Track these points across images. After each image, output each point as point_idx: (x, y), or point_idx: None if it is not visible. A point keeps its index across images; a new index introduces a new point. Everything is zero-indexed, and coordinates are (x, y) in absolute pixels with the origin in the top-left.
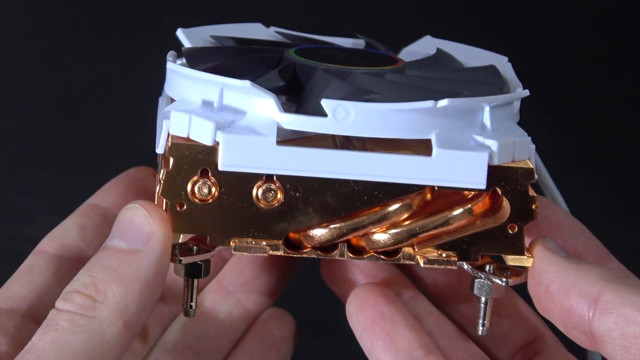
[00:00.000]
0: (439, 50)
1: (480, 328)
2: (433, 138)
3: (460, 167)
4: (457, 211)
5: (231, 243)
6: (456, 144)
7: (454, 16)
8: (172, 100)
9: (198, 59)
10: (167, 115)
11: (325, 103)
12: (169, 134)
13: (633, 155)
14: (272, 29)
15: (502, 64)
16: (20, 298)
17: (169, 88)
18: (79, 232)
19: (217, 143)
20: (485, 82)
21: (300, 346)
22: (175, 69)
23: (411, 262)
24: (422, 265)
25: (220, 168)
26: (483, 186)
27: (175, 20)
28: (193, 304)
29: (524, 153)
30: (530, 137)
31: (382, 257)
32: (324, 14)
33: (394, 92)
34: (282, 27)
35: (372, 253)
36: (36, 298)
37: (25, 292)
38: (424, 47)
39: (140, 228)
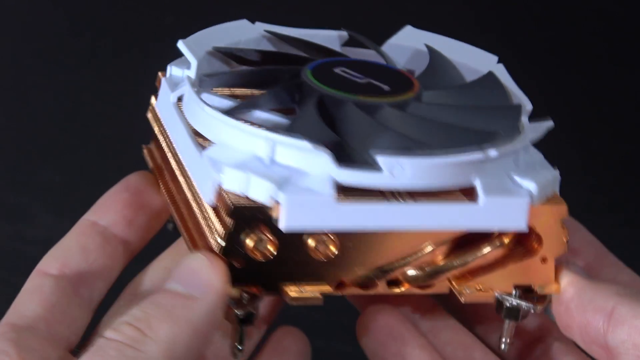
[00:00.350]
0: (435, 57)
1: (503, 346)
2: (478, 185)
3: (504, 212)
4: (493, 247)
5: (288, 292)
6: (499, 188)
7: (454, 14)
8: (197, 134)
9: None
10: (217, 168)
11: (382, 160)
12: (220, 187)
13: (631, 155)
14: (258, 25)
15: (493, 65)
16: (37, 318)
17: (199, 123)
18: (81, 252)
19: (277, 202)
20: (503, 108)
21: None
22: (219, 117)
23: (445, 292)
24: (462, 301)
25: (282, 229)
26: (524, 228)
27: (176, 19)
28: (242, 347)
29: (555, 186)
30: (557, 170)
31: (419, 290)
32: (321, 7)
33: (437, 138)
34: (276, 21)
35: (408, 287)
36: (52, 318)
37: (41, 312)
38: (406, 39)
39: (200, 277)
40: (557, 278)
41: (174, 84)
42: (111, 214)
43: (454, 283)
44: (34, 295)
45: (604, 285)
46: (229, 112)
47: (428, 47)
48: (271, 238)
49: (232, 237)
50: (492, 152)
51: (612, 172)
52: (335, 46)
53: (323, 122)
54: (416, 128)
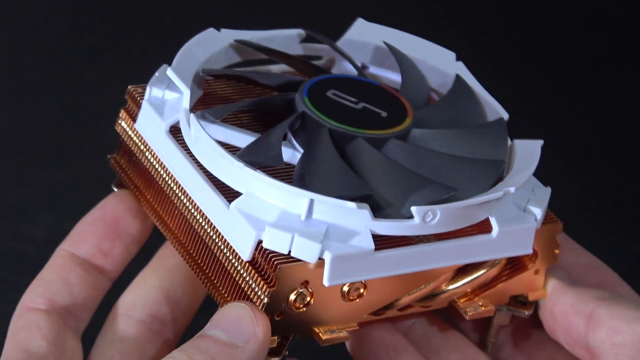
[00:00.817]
0: (457, 89)
1: (490, 346)
2: (493, 218)
3: (514, 239)
4: (491, 267)
5: (321, 335)
6: (509, 218)
7: (454, 14)
8: (198, 163)
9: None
10: (257, 225)
11: (416, 210)
12: (260, 245)
13: (629, 154)
14: (224, 32)
15: (452, 62)
16: (46, 354)
17: (220, 171)
18: (65, 286)
19: (321, 258)
20: (496, 134)
21: (300, 346)
22: (251, 173)
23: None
24: (467, 318)
25: (326, 285)
26: (530, 251)
27: (176, 19)
28: None
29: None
30: (549, 188)
31: (423, 309)
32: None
33: (468, 182)
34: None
35: (415, 307)
36: (58, 352)
37: (47, 347)
38: (361, 34)
39: (243, 327)
40: (544, 284)
41: (156, 106)
42: (88, 246)
43: (458, 302)
44: (33, 332)
45: (584, 290)
46: (244, 155)
47: (458, 77)
48: (311, 291)
49: (275, 295)
50: (510, 189)
51: (611, 172)
52: (295, 44)
53: (353, 173)
54: (446, 174)
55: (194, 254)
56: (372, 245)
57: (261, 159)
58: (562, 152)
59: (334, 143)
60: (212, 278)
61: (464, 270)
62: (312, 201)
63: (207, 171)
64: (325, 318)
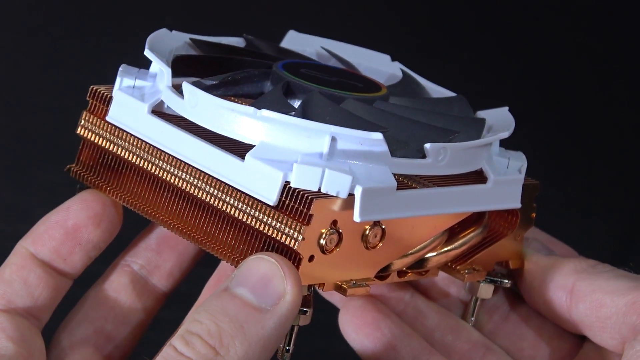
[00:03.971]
0: (406, 77)
1: (471, 321)
2: (486, 168)
3: (506, 191)
4: (480, 229)
5: (345, 288)
6: (500, 170)
7: (455, 14)
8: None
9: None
10: (282, 166)
11: (430, 147)
12: (288, 185)
13: (629, 154)
14: (175, 33)
15: (388, 63)
16: (15, 355)
17: (226, 126)
18: (24, 287)
19: (351, 194)
20: (463, 104)
21: (300, 346)
22: (272, 115)
23: (434, 275)
24: (464, 281)
25: (358, 220)
26: (519, 205)
27: (176, 19)
28: (290, 348)
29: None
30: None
31: (418, 276)
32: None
33: (464, 127)
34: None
35: (412, 274)
36: (25, 352)
37: (14, 347)
38: (294, 43)
39: (274, 287)
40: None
41: (130, 94)
42: (46, 250)
43: (454, 266)
44: None
45: (562, 262)
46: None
47: (403, 70)
48: (340, 231)
49: (310, 232)
50: (504, 134)
51: (606, 171)
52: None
53: (361, 118)
54: (447, 121)
55: (196, 228)
56: (394, 182)
57: (275, 109)
58: (560, 153)
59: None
60: (226, 244)
61: (452, 235)
62: (334, 138)
63: (207, 138)
64: (348, 268)
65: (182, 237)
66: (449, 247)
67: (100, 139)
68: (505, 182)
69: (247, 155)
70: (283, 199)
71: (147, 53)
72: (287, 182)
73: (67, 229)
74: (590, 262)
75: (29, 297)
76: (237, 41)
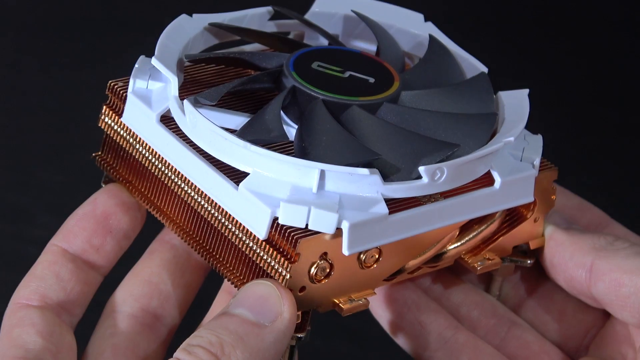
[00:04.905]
0: (433, 48)
1: (497, 295)
2: (494, 170)
3: (516, 189)
4: (493, 220)
5: (341, 305)
6: (509, 169)
7: (455, 10)
8: (198, 149)
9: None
10: (271, 202)
11: (424, 170)
12: (276, 222)
13: (629, 154)
14: (196, 17)
15: (420, 23)
16: (42, 349)
17: (222, 152)
18: (57, 282)
19: (339, 229)
20: (481, 88)
21: (300, 346)
22: (257, 150)
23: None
24: (477, 273)
25: (346, 253)
26: (532, 199)
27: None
28: None
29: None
30: (540, 135)
31: (431, 269)
32: None
33: (466, 138)
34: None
35: (425, 268)
36: (54, 348)
37: (42, 343)
38: (326, 5)
39: (270, 306)
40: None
41: (142, 97)
42: (79, 241)
43: (466, 259)
44: (27, 328)
45: (581, 237)
46: (242, 134)
47: (432, 37)
48: (330, 262)
49: (297, 270)
50: (510, 139)
51: (612, 173)
52: (265, 22)
53: (356, 139)
54: (448, 131)
55: (199, 239)
56: (386, 210)
57: (266, 136)
58: (562, 150)
59: (331, 113)
60: (224, 261)
61: (466, 227)
62: (322, 172)
63: (207, 155)
64: (344, 288)
65: (191, 246)
66: (463, 240)
67: (118, 136)
68: (516, 181)
69: (240, 185)
70: (273, 232)
71: (154, 61)
72: (276, 218)
73: (97, 218)
74: (609, 238)
75: (62, 290)
76: (263, 12)
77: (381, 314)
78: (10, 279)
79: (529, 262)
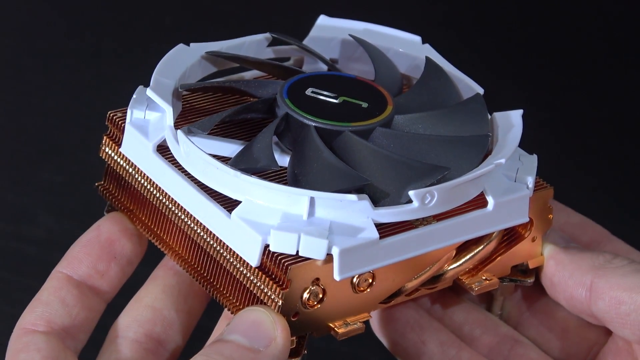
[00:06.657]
0: (430, 70)
1: (499, 315)
2: (487, 192)
3: (510, 210)
4: (490, 241)
5: (337, 330)
6: (503, 189)
7: (454, 14)
8: (192, 178)
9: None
10: (261, 230)
11: (414, 194)
12: (267, 249)
13: (630, 154)
14: (193, 46)
15: (418, 46)
16: None
17: (214, 181)
18: (62, 307)
19: (329, 255)
20: (475, 110)
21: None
22: (248, 179)
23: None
24: (474, 293)
25: (337, 279)
26: (527, 219)
27: (176, 20)
28: None
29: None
30: (535, 155)
31: (429, 290)
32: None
33: (458, 161)
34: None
35: (422, 290)
36: None
37: None
38: (325, 30)
39: (264, 331)
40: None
41: (139, 127)
42: (84, 267)
43: (463, 279)
44: (32, 353)
45: (580, 257)
46: (236, 163)
47: (428, 59)
48: (322, 287)
49: (289, 296)
50: (501, 161)
51: (612, 173)
52: (263, 48)
53: (347, 165)
54: (440, 155)
55: (197, 267)
56: (376, 235)
57: (255, 165)
58: (566, 153)
59: (322, 140)
60: (221, 288)
61: (463, 247)
62: (312, 199)
63: (201, 184)
64: (339, 312)
65: (190, 274)
66: (460, 261)
67: (118, 166)
68: (510, 202)
69: (233, 214)
70: (265, 259)
71: (149, 92)
72: (268, 245)
73: (101, 244)
74: (608, 256)
75: (67, 316)
76: (261, 39)
77: (384, 333)
78: (10, 279)
79: (529, 281)
